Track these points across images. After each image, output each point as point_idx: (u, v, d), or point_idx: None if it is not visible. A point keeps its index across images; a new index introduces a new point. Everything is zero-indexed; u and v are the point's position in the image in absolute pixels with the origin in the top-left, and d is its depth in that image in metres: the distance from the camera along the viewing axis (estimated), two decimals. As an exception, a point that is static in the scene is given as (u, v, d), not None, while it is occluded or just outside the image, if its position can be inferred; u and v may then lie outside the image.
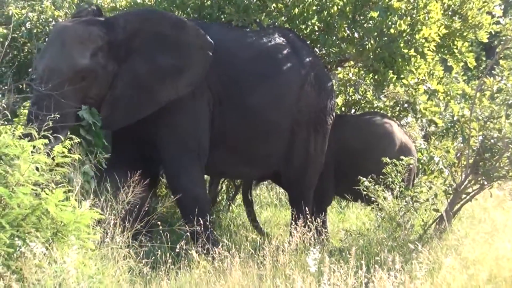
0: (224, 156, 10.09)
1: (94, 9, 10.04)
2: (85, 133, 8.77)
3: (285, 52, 10.49)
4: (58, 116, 8.16)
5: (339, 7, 11.45)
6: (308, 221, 8.63)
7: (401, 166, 9.54)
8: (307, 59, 10.78)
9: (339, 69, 13.33)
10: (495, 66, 10.40)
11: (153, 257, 7.74)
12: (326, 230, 10.43)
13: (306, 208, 9.75)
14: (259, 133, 10.18)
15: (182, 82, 9.36)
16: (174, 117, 9.45)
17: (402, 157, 9.79)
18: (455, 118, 10.54)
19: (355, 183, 9.83)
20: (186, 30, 9.55)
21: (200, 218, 8.59)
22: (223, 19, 11.16)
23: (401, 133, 11.45)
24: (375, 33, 11.35)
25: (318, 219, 9.07)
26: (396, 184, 9.37)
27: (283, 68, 10.32)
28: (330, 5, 11.52)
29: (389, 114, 13.42)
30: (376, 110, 13.43)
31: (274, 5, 11.58)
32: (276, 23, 11.33)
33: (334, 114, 11.11)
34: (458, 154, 9.89)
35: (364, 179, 9.37)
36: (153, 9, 10.57)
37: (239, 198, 12.96)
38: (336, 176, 11.21)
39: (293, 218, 9.62)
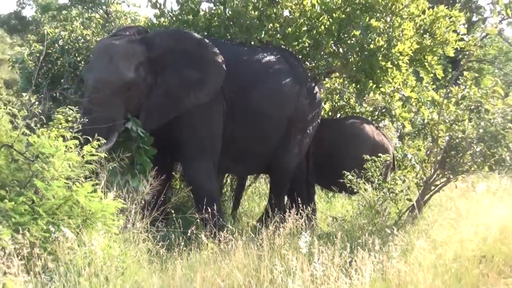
0: (232, 156, 10.16)
1: (139, 27, 10.15)
2: (133, 140, 8.90)
3: (284, 68, 10.59)
4: (109, 122, 8.49)
5: (326, 26, 11.48)
6: (300, 209, 8.67)
7: (379, 162, 9.57)
8: (302, 75, 10.94)
9: (327, 79, 13.38)
10: (459, 77, 10.42)
11: (168, 241, 7.75)
12: (315, 217, 10.50)
13: (299, 198, 9.83)
14: (263, 136, 10.29)
15: (203, 92, 9.46)
16: (195, 123, 9.54)
17: (380, 154, 9.83)
18: (425, 121, 10.52)
19: (334, 177, 10.05)
20: (208, 48, 9.64)
21: (211, 208, 8.71)
22: (228, 37, 11.22)
23: (376, 134, 11.47)
24: (357, 49, 11.43)
25: (309, 207, 9.13)
26: (375, 177, 9.39)
27: (284, 82, 10.42)
28: (319, 25, 11.55)
29: (369, 118, 13.48)
30: (358, 114, 13.47)
31: (271, 25, 11.60)
32: (273, 40, 11.35)
33: (319, 119, 11.23)
34: (428, 152, 9.88)
35: (348, 173, 9.41)
36: (181, 30, 10.63)
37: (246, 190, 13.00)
38: (318, 171, 11.25)
39: (273, 207, 9.69)
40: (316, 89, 11.30)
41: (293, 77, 10.58)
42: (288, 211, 8.63)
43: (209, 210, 8.68)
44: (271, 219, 8.49)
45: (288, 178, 11.04)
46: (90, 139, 7.29)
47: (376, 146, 11.01)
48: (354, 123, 11.99)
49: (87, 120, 8.22)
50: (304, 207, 8.88)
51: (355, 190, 9.39)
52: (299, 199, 9.76)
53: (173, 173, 10.94)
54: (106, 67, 8.88)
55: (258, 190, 13.74)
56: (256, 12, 11.62)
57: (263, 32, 11.43)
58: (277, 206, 9.93)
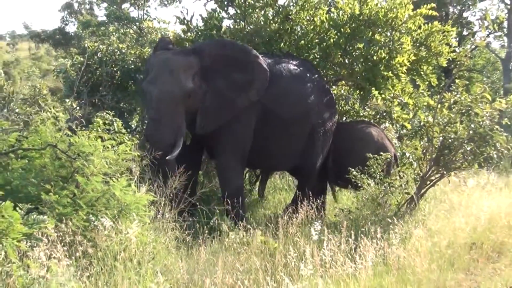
0: (264, 155, 10.14)
1: (169, 40, 10.22)
2: None
3: (308, 77, 10.51)
4: (176, 129, 8.65)
5: (334, 40, 11.47)
6: (311, 202, 8.67)
7: (380, 160, 9.53)
8: (321, 84, 10.86)
9: (334, 86, 13.33)
10: (452, 84, 10.38)
11: (194, 229, 7.76)
12: (324, 208, 10.49)
13: (310, 192, 9.80)
14: (290, 138, 10.22)
15: (252, 92, 9.49)
16: (233, 124, 9.47)
17: (381, 153, 9.81)
18: (422, 123, 10.50)
19: (343, 174, 9.98)
20: (250, 53, 9.64)
21: (236, 201, 8.92)
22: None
23: (380, 136, 11.39)
24: (361, 60, 11.44)
25: (319, 200, 9.14)
26: (377, 173, 9.36)
27: (309, 90, 10.37)
28: (327, 39, 11.54)
29: (371, 121, 13.45)
30: (362, 118, 13.44)
31: (287, 37, 11.61)
32: (290, 51, 11.36)
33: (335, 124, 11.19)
34: (424, 151, 9.84)
35: (353, 170, 9.41)
36: (226, 39, 10.69)
37: (258, 184, 12.95)
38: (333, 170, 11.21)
39: (299, 199, 9.62)
40: (332, 95, 11.25)
41: (315, 86, 10.54)
42: (301, 204, 8.64)
43: (234, 202, 8.83)
44: (293, 210, 8.50)
45: (313, 176, 10.96)
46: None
47: (379, 148, 10.95)
48: (359, 127, 11.94)
49: (156, 129, 8.56)
50: (315, 199, 8.88)
51: (359, 185, 9.38)
52: (310, 192, 9.77)
53: (199, 169, 10.90)
54: (169, 80, 8.88)
55: (273, 184, 13.69)
56: (276, 25, 11.64)
57: (282, 43, 11.53)
58: (301, 200, 9.88)
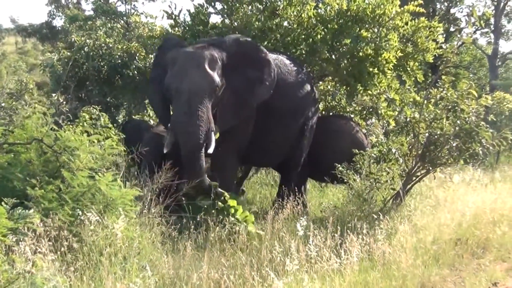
0: (261, 150, 10.06)
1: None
2: None
3: (302, 74, 10.59)
4: (208, 124, 8.48)
5: (321, 36, 11.48)
6: (297, 197, 8.70)
7: (366, 155, 9.58)
8: (310, 80, 10.94)
9: (321, 82, 13.36)
10: (438, 80, 10.41)
11: (180, 224, 7.75)
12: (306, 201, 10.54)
13: (296, 187, 9.83)
14: (283, 134, 10.22)
15: (264, 88, 9.39)
16: (234, 128, 9.34)
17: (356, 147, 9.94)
18: (408, 119, 10.53)
19: (320, 167, 10.48)
20: (262, 50, 9.62)
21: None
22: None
23: (355, 130, 11.43)
24: (348, 56, 11.48)
25: (303, 196, 9.18)
26: (363, 169, 9.40)
27: (304, 87, 10.45)
28: (314, 35, 11.56)
29: (357, 117, 13.49)
30: (348, 113, 13.49)
31: (273, 35, 11.61)
32: (275, 48, 11.36)
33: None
34: (410, 147, 9.86)
35: (339, 165, 9.45)
36: (240, 36, 10.32)
37: (247, 179, 12.96)
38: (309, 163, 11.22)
39: (284, 194, 9.63)
40: (315, 90, 11.27)
41: (307, 83, 10.60)
42: (287, 198, 8.66)
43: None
44: (283, 205, 8.51)
45: (297, 169, 11.02)
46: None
47: (354, 141, 10.99)
48: (335, 121, 12.00)
49: (189, 124, 8.31)
50: (300, 194, 8.94)
51: (337, 179, 9.52)
52: (296, 187, 9.82)
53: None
54: (197, 74, 8.68)
55: (260, 179, 13.71)
56: (259, 23, 11.62)
57: (266, 41, 11.52)
58: (288, 195, 9.88)
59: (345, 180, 9.44)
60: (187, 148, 8.22)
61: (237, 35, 10.36)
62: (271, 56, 9.89)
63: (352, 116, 13.47)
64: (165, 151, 8.14)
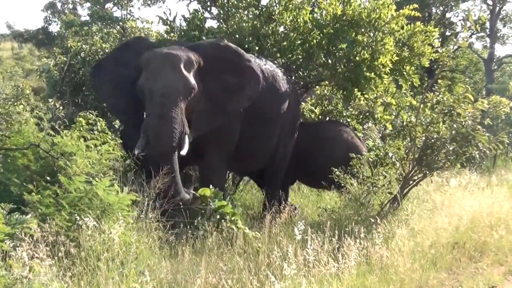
0: (242, 155, 9.89)
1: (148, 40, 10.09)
2: None
3: (283, 77, 10.51)
4: (182, 126, 8.28)
5: (317, 40, 11.48)
6: (286, 203, 8.76)
7: (364, 160, 9.59)
8: (291, 86, 10.86)
9: (317, 87, 13.38)
10: (434, 85, 10.43)
11: (177, 229, 7.73)
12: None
13: (280, 191, 10.11)
14: (264, 139, 10.20)
15: (244, 96, 9.24)
16: (222, 127, 9.17)
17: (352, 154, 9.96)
18: (404, 123, 10.53)
19: (311, 173, 10.82)
20: (244, 56, 9.42)
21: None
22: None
23: (350, 136, 11.43)
24: (344, 60, 11.47)
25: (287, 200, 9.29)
26: (360, 173, 9.42)
27: (284, 92, 10.34)
28: (310, 39, 11.55)
29: (354, 121, 13.51)
30: (345, 117, 13.51)
31: (268, 40, 11.63)
32: (270, 53, 11.38)
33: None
34: (407, 151, 9.86)
35: (336, 170, 9.47)
36: (220, 41, 10.14)
37: (241, 184, 12.93)
38: (298, 167, 11.22)
39: (268, 198, 9.72)
40: (300, 98, 11.30)
41: (287, 87, 10.51)
42: (283, 202, 8.67)
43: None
44: (269, 210, 8.49)
45: (281, 174, 11.01)
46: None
47: (350, 148, 10.99)
48: (328, 127, 12.01)
49: (161, 125, 8.17)
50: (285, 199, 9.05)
51: (333, 184, 9.71)
52: (280, 191, 10.13)
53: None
54: (172, 75, 8.50)
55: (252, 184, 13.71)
56: (255, 29, 11.63)
57: (257, 48, 11.54)
58: (273, 199, 9.87)
59: (342, 185, 9.45)
60: (159, 151, 8.06)
61: (217, 39, 10.31)
62: (255, 62, 9.81)
63: (348, 120, 13.50)
64: (136, 153, 8.02)
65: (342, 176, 9.37)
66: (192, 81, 8.61)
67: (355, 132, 12.23)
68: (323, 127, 12.18)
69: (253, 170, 11.53)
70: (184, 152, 8.23)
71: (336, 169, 9.57)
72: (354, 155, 9.81)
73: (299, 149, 11.08)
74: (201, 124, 8.91)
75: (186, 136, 8.40)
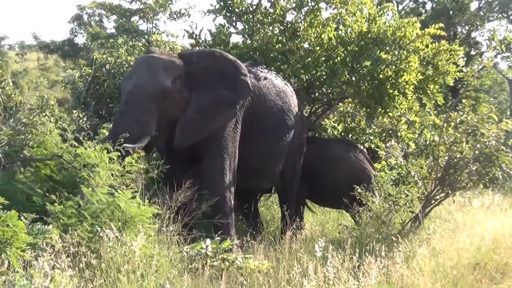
0: (245, 172, 9.63)
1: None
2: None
3: (290, 93, 10.49)
4: (142, 125, 8.21)
5: (341, 57, 11.51)
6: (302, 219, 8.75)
7: (384, 178, 9.59)
8: (297, 101, 10.76)
9: (340, 104, 13.37)
10: (458, 104, 10.38)
11: (197, 243, 7.73)
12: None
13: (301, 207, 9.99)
14: (269, 153, 10.10)
15: (232, 111, 9.09)
16: (221, 136, 9.08)
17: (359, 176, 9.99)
18: (428, 142, 10.47)
19: (319, 193, 10.95)
20: (241, 69, 9.28)
21: (225, 213, 8.86)
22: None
23: (358, 158, 11.36)
24: (368, 78, 11.47)
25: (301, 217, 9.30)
26: (381, 191, 9.40)
27: (289, 106, 10.28)
28: (334, 56, 11.59)
29: (377, 139, 13.48)
30: (367, 135, 13.49)
31: (293, 56, 11.64)
32: (295, 71, 11.41)
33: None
34: (429, 170, 9.81)
35: (357, 187, 9.44)
36: (217, 50, 9.98)
37: (263, 199, 12.90)
38: (308, 186, 11.20)
39: (287, 216, 9.67)
40: (304, 114, 11.31)
41: (293, 102, 10.47)
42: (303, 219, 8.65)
43: (222, 214, 8.72)
44: (289, 226, 8.49)
45: (293, 189, 10.93)
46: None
47: (357, 170, 10.97)
48: (335, 147, 11.87)
49: (120, 121, 8.23)
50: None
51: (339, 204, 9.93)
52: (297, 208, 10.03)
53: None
54: (145, 75, 8.53)
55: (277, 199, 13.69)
56: (280, 45, 11.67)
57: (286, 66, 11.60)
58: (294, 214, 9.85)
59: (350, 205, 9.51)
60: (115, 146, 7.54)
61: (213, 49, 10.21)
62: (252, 74, 9.80)
63: (371, 138, 13.47)
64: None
65: (364, 194, 9.34)
66: (167, 84, 8.54)
67: (363, 151, 12.15)
68: (327, 147, 12.05)
69: (261, 189, 11.44)
70: (135, 146, 7.94)
71: (339, 192, 9.61)
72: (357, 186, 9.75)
73: (304, 168, 11.05)
74: (188, 133, 8.81)
75: (147, 138, 8.27)
